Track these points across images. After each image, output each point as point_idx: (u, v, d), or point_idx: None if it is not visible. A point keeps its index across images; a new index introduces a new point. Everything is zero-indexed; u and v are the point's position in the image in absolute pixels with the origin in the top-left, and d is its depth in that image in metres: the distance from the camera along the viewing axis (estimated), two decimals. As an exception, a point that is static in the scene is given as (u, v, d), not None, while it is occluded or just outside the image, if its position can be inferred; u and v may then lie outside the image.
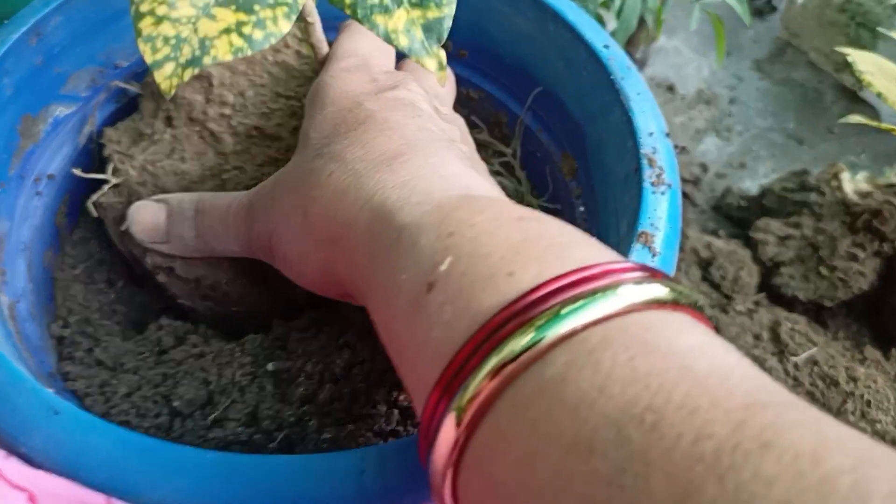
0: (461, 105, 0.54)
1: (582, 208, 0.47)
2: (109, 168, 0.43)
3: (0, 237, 0.41)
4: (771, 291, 0.63)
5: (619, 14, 0.55)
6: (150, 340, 0.41)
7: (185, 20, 0.26)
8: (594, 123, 0.45)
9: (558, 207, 0.49)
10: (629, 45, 0.79)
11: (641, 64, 0.82)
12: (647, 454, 0.18)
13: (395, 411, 0.37)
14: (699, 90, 0.83)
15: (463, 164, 0.31)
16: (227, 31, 0.27)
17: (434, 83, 0.39)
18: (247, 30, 0.27)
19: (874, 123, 0.52)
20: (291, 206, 0.33)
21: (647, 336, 0.20)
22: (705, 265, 0.62)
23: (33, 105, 0.44)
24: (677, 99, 0.82)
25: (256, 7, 0.27)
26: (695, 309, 0.22)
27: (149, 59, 0.25)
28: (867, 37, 0.77)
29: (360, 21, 0.28)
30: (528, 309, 0.22)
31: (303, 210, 0.32)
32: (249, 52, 0.26)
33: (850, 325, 0.64)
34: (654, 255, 0.36)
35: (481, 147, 0.54)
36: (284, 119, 0.44)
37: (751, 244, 0.65)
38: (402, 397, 0.37)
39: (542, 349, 0.21)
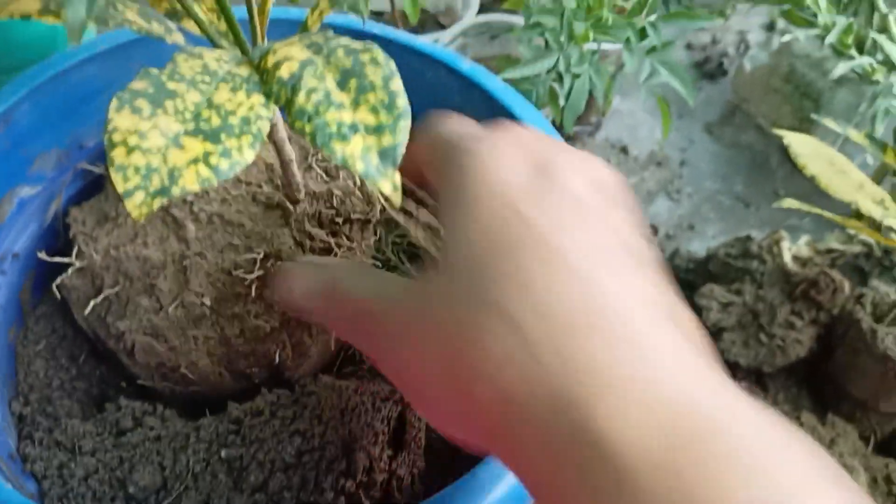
0: (418, 184, 0.56)
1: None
2: (74, 250, 0.45)
3: (-35, 318, 0.43)
4: (713, 356, 0.66)
5: (567, 96, 0.58)
6: (109, 421, 0.42)
7: (155, 150, 0.28)
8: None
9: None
10: (587, 110, 0.82)
11: (596, 127, 0.85)
12: None
13: (342, 498, 0.38)
14: (652, 152, 0.86)
15: (670, 330, 0.24)
16: (194, 161, 0.28)
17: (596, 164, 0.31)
18: (213, 160, 0.28)
19: (806, 208, 0.55)
20: (430, 348, 0.26)
21: None
22: (651, 331, 0.65)
23: (0, 187, 0.46)
24: (630, 160, 0.85)
25: (223, 136, 0.29)
26: None
27: (120, 188, 0.27)
28: (810, 106, 0.81)
29: (317, 144, 0.30)
30: None
31: (447, 363, 0.25)
32: (215, 183, 0.28)
33: (791, 388, 0.67)
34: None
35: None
36: (245, 205, 0.46)
37: (695, 309, 0.68)
38: (349, 484, 0.39)
39: None
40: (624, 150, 0.86)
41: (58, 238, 0.50)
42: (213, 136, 0.29)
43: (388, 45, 0.51)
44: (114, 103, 0.29)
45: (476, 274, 0.25)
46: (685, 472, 0.19)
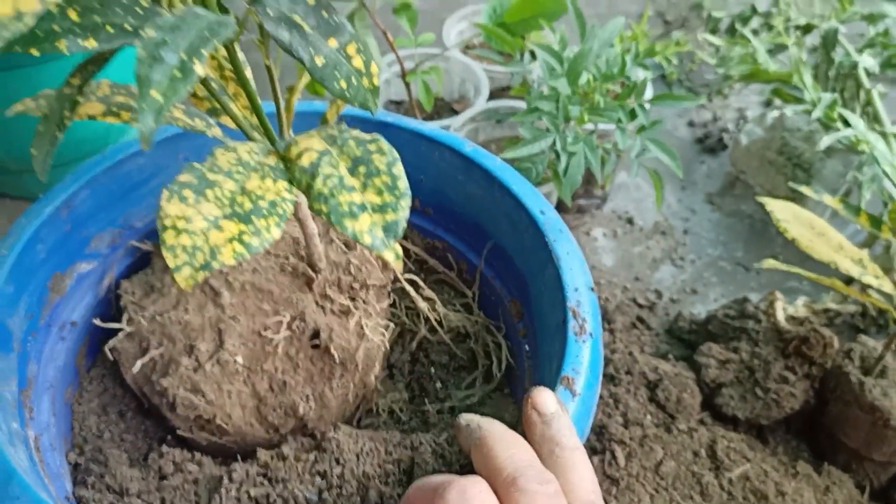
0: (429, 253, 0.62)
1: (527, 347, 0.54)
2: (125, 318, 0.51)
3: (30, 379, 0.49)
4: (714, 410, 0.70)
5: (564, 172, 0.64)
6: (153, 467, 0.48)
7: (198, 232, 0.34)
8: (534, 277, 0.53)
9: (509, 344, 0.57)
10: (591, 184, 0.88)
11: (603, 200, 0.91)
12: None
13: (359, 531, 0.43)
14: (656, 222, 0.92)
15: None
16: (231, 239, 0.34)
17: (589, 484, 0.38)
18: (246, 238, 0.34)
19: (784, 267, 0.60)
20: None
21: None
22: (653, 387, 0.69)
23: (62, 264, 0.53)
24: (636, 230, 0.91)
25: (254, 218, 0.35)
26: None
27: (171, 264, 0.33)
28: (802, 176, 0.86)
29: (332, 224, 0.36)
30: None
31: None
32: (248, 257, 0.34)
33: (789, 440, 0.71)
34: (574, 396, 0.43)
35: (447, 286, 0.62)
36: (273, 274, 0.52)
37: (695, 367, 0.72)
38: (365, 518, 0.44)
39: None
40: (630, 220, 0.91)
41: (110, 307, 0.56)
42: (246, 218, 0.35)
43: (401, 131, 0.58)
44: (165, 194, 0.35)
45: None
46: None
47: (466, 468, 0.48)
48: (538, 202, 0.54)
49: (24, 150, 0.80)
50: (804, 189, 0.63)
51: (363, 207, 0.36)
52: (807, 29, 0.99)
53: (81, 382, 0.54)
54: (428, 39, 0.80)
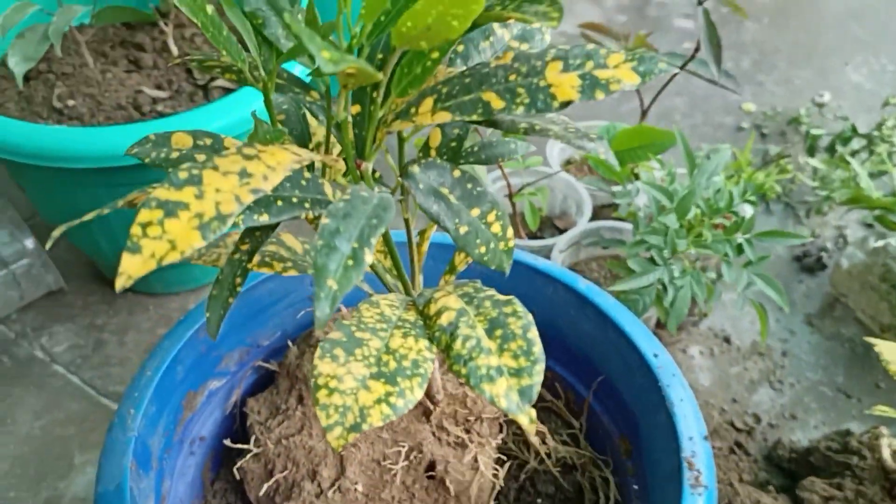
0: (536, 380, 0.64)
1: (636, 486, 0.55)
2: (252, 438, 0.54)
3: (164, 496, 0.52)
4: (817, 549, 0.69)
5: (671, 305, 0.65)
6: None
7: (349, 392, 0.36)
8: (645, 418, 0.54)
9: (617, 480, 0.58)
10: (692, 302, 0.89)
11: (701, 317, 0.91)
12: None
13: None
14: (754, 342, 0.91)
15: None
16: (378, 401, 0.36)
17: None
18: (392, 399, 0.36)
19: (893, 414, 0.59)
20: None
21: None
22: (754, 523, 0.68)
23: (196, 383, 0.56)
24: (733, 349, 0.91)
25: (399, 379, 0.37)
26: None
27: (323, 422, 0.34)
28: (907, 305, 0.85)
29: (469, 384, 0.38)
30: None
31: None
32: (394, 418, 0.36)
33: (894, 586, 0.69)
34: (690, 551, 0.44)
35: (554, 414, 0.64)
36: None
37: (797, 501, 0.71)
38: None
39: None
40: (727, 339, 0.91)
41: (234, 422, 0.59)
42: (391, 379, 0.37)
43: (517, 265, 0.60)
44: (318, 352, 0.37)
45: None
46: None
47: None
48: (652, 345, 0.55)
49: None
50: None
51: (500, 371, 0.38)
52: (911, 153, 0.99)
53: (206, 496, 0.57)
54: (536, 162, 0.83)
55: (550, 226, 0.92)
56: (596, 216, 0.90)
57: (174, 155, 0.42)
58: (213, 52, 0.48)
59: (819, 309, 0.96)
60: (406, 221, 0.46)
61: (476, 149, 0.45)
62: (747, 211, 0.70)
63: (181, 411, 0.55)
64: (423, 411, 0.54)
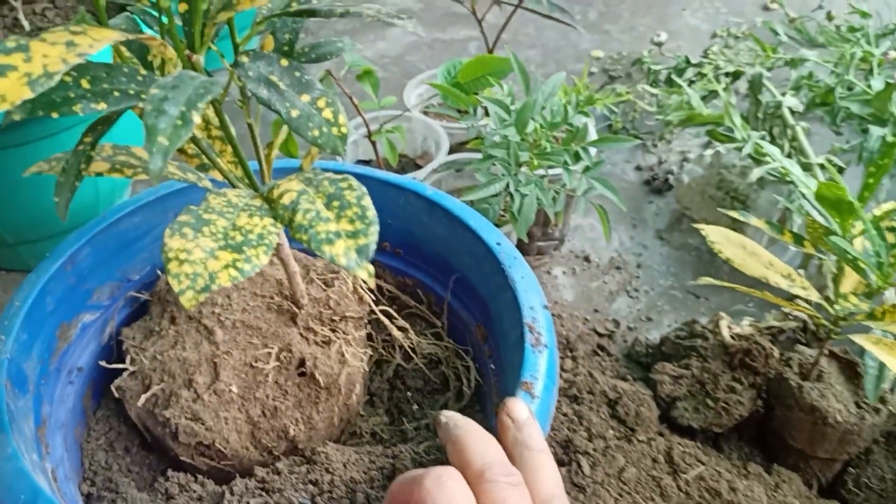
0: (401, 290, 0.69)
1: (493, 365, 0.60)
2: (128, 359, 0.56)
3: (44, 418, 0.54)
4: (671, 422, 0.76)
5: (518, 211, 0.71)
6: (160, 490, 0.53)
7: (198, 261, 0.39)
8: (494, 301, 0.60)
9: (477, 366, 0.63)
10: (548, 226, 0.96)
11: (561, 240, 0.98)
12: None
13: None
14: (611, 258, 0.99)
15: None
16: (226, 266, 0.39)
17: (553, 480, 0.44)
18: (239, 264, 0.39)
19: (718, 283, 0.67)
20: None
21: None
22: (612, 404, 0.75)
23: (68, 315, 0.58)
24: (593, 267, 0.98)
25: (245, 248, 0.41)
26: None
27: (176, 288, 0.37)
28: (740, 207, 0.94)
29: (312, 248, 0.41)
30: None
31: None
32: (241, 279, 0.40)
33: (742, 447, 0.77)
34: (533, 398, 0.49)
35: (419, 318, 0.68)
36: (261, 313, 0.58)
37: (651, 384, 0.78)
38: (354, 518, 0.49)
39: None
40: (587, 258, 0.98)
41: (112, 354, 0.62)
42: (238, 249, 0.41)
43: (369, 180, 0.65)
44: (167, 231, 0.40)
45: None
46: None
47: (443, 472, 0.54)
48: (494, 235, 0.60)
49: (19, 223, 0.86)
50: (732, 213, 0.70)
51: (338, 235, 0.42)
52: (735, 76, 1.08)
53: (88, 423, 0.59)
54: (390, 102, 0.87)
55: (413, 166, 0.97)
56: (454, 153, 0.96)
57: None
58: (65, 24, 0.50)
59: (668, 224, 1.04)
60: (250, 127, 0.50)
61: (307, 49, 0.49)
62: (583, 123, 0.76)
63: (55, 341, 0.57)
64: (289, 316, 0.58)
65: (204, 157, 0.52)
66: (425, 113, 1.02)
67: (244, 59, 0.43)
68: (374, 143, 0.88)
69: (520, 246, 0.92)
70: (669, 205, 1.07)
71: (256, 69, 0.43)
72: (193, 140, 0.49)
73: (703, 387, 0.76)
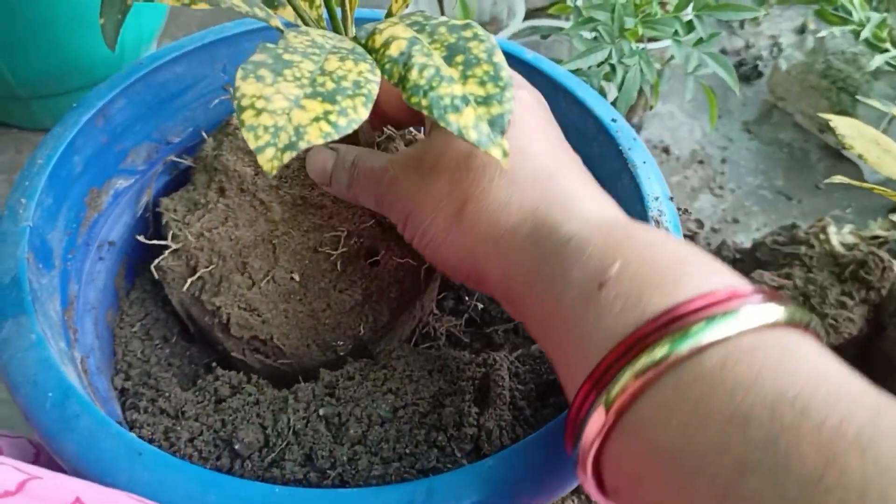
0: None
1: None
2: (169, 235, 0.48)
3: (71, 299, 0.46)
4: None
5: (620, 87, 0.60)
6: (208, 390, 0.45)
7: (280, 111, 0.30)
8: (609, 185, 0.50)
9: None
10: (628, 111, 0.85)
11: (638, 128, 0.88)
12: (798, 428, 0.23)
13: (435, 450, 0.41)
14: (693, 151, 0.88)
15: (591, 182, 0.38)
16: (316, 119, 0.30)
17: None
18: (333, 117, 0.31)
19: (856, 183, 0.57)
20: (442, 196, 0.37)
21: (786, 343, 0.27)
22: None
23: (99, 179, 0.49)
24: (672, 160, 0.87)
25: (339, 98, 0.31)
26: (807, 326, 0.28)
27: (252, 144, 0.29)
28: (847, 101, 0.83)
29: (435, 119, 0.32)
30: (691, 314, 0.27)
31: (457, 205, 0.36)
32: (336, 137, 0.31)
33: (844, 368, 0.69)
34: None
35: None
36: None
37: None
38: (440, 437, 0.41)
39: (703, 346, 0.26)
40: (666, 150, 0.88)
41: (148, 227, 0.53)
42: (330, 98, 0.32)
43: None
44: (239, 73, 0.31)
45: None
46: (613, 239, 0.31)
47: (542, 386, 0.46)
48: (608, 110, 0.50)
49: (33, 74, 0.76)
50: (872, 102, 0.60)
51: (465, 100, 0.32)
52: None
53: (121, 306, 0.51)
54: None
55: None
56: (529, 18, 0.84)
57: None
58: None
59: (757, 116, 0.93)
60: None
61: None
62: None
63: (84, 209, 0.48)
64: None
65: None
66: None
67: None
68: (440, 2, 0.77)
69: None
70: (759, 94, 0.95)
71: None
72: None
73: (808, 300, 0.67)
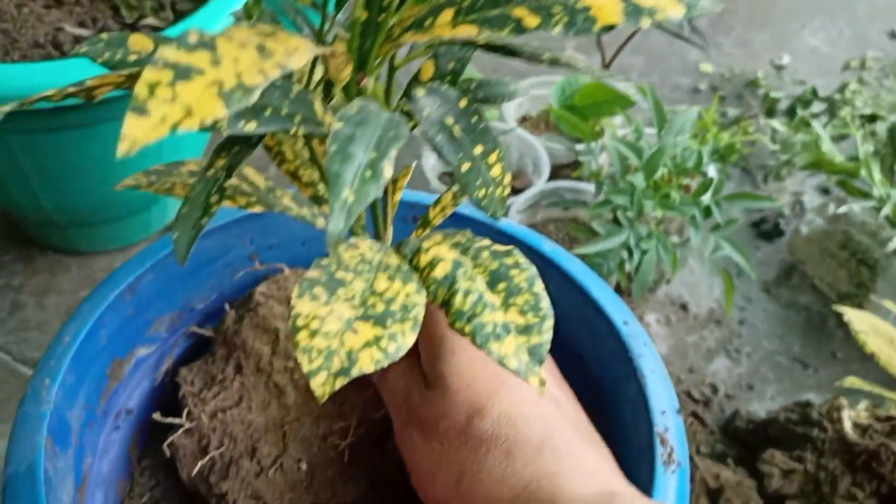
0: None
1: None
2: (185, 412, 0.49)
3: (85, 474, 0.46)
4: (776, 523, 0.67)
5: (636, 270, 0.62)
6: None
7: (333, 334, 0.30)
8: (615, 391, 0.51)
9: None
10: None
11: (664, 282, 0.89)
12: None
13: None
14: (711, 310, 0.89)
15: (592, 451, 0.37)
16: (367, 344, 0.31)
17: None
18: (383, 343, 0.31)
19: (867, 387, 0.57)
20: (440, 465, 0.38)
21: None
22: (714, 496, 0.66)
23: (122, 350, 0.51)
24: (690, 318, 0.88)
25: (389, 322, 0.32)
26: None
27: (306, 367, 0.29)
28: (867, 273, 0.83)
29: (478, 346, 0.32)
30: None
31: (454, 478, 0.37)
32: (386, 364, 0.30)
33: (853, 560, 0.67)
34: (663, 536, 0.41)
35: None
36: None
37: (757, 474, 0.69)
38: None
39: None
40: (683, 307, 0.89)
41: (165, 393, 0.54)
42: (380, 322, 0.32)
43: (476, 225, 0.56)
44: (296, 291, 0.31)
45: (469, 402, 0.37)
46: None
47: None
48: (622, 312, 0.51)
49: (71, 205, 0.79)
50: (887, 303, 0.60)
51: (507, 329, 0.33)
52: (871, 119, 0.97)
53: (133, 474, 0.52)
54: (491, 117, 0.78)
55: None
56: (554, 176, 0.86)
57: (132, 58, 0.36)
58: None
59: (776, 276, 0.94)
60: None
61: (473, 86, 0.40)
62: (713, 172, 0.66)
63: (105, 381, 0.49)
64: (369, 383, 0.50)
65: (321, 185, 0.43)
66: (522, 126, 0.93)
67: (420, 91, 0.34)
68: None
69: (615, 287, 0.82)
70: (779, 253, 0.96)
71: (432, 107, 0.34)
72: (316, 162, 0.41)
73: (819, 487, 0.67)
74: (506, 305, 0.33)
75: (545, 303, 0.34)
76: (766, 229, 0.98)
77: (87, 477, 0.47)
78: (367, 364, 0.30)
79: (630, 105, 0.67)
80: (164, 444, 0.48)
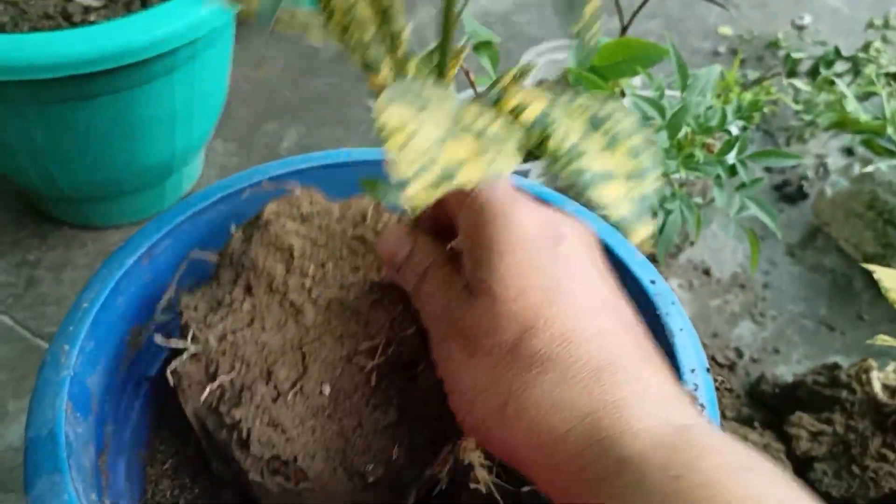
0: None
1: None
2: (189, 335, 0.44)
3: (106, 442, 0.46)
4: (805, 485, 0.66)
5: (661, 230, 0.60)
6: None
7: (427, 146, 0.27)
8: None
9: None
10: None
11: (679, 249, 0.87)
12: None
13: None
14: (734, 274, 0.88)
15: (662, 375, 0.33)
16: (466, 160, 0.27)
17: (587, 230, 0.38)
18: (486, 158, 0.28)
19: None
20: (484, 385, 0.33)
21: None
22: (742, 460, 0.65)
23: (141, 317, 0.50)
24: (713, 282, 0.87)
25: (485, 144, 0.29)
26: None
27: (402, 171, 0.26)
28: (894, 233, 0.82)
29: (577, 188, 0.29)
30: None
31: (499, 401, 0.33)
32: (500, 172, 0.27)
33: (885, 522, 0.66)
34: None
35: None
36: (362, 294, 0.45)
37: (785, 437, 0.68)
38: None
39: None
40: (707, 272, 0.87)
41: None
42: (480, 136, 0.29)
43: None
44: (382, 99, 0.28)
45: (517, 317, 0.33)
46: (676, 461, 0.27)
47: None
48: (648, 271, 0.50)
49: (86, 181, 0.78)
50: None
51: (611, 174, 0.30)
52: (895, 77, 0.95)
53: (153, 443, 0.51)
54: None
55: (525, 151, 0.86)
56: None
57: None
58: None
59: (800, 239, 0.92)
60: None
61: None
62: (735, 129, 0.65)
63: (124, 348, 0.49)
64: (403, 301, 0.46)
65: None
66: (540, 85, 0.91)
67: None
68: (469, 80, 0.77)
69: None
70: (803, 216, 0.94)
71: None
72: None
73: (848, 449, 0.66)
74: (611, 149, 0.30)
75: (653, 149, 0.31)
76: (790, 192, 0.96)
77: (108, 444, 0.46)
78: (472, 173, 0.27)
79: (664, 56, 0.65)
80: (168, 371, 0.43)
